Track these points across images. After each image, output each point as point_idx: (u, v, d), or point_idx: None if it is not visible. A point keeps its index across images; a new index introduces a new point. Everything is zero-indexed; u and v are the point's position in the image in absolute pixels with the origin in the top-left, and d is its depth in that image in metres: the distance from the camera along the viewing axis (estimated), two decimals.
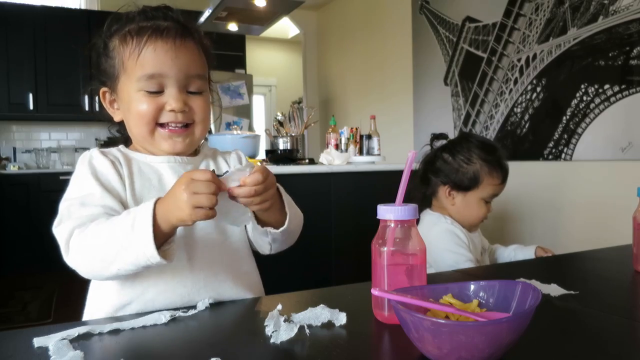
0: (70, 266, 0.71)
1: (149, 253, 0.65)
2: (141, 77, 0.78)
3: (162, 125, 0.81)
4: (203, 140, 0.93)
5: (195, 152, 0.90)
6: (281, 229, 0.79)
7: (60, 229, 0.72)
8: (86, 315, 0.83)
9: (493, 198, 1.40)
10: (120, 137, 0.92)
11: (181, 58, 0.79)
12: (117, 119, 0.86)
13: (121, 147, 0.87)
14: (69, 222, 0.72)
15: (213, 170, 0.68)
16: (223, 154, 0.95)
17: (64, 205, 0.75)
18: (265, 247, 0.86)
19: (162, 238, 0.68)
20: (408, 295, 0.53)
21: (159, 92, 0.79)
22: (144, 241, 0.65)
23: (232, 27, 3.51)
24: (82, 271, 0.71)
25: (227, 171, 0.69)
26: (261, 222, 0.79)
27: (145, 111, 0.79)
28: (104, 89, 0.85)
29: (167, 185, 0.81)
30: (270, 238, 0.82)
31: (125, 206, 0.78)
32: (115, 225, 0.68)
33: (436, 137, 1.47)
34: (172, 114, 0.80)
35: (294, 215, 0.81)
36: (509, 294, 0.55)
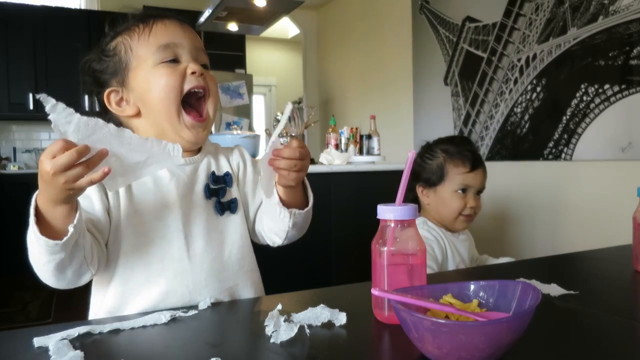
0: None
1: (32, 230, 0.64)
2: (157, 50, 0.80)
3: (185, 110, 0.82)
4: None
5: (197, 150, 0.90)
6: (307, 208, 0.82)
7: None
8: (91, 315, 0.84)
9: (470, 189, 1.36)
10: None
11: (188, 32, 0.84)
12: (129, 112, 0.84)
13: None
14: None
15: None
16: (225, 151, 0.95)
17: None
18: (280, 234, 0.85)
19: (59, 219, 0.65)
20: (408, 295, 0.53)
21: (176, 61, 0.82)
22: (33, 229, 0.64)
23: (232, 27, 3.51)
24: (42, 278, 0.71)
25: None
26: (286, 203, 0.80)
27: (169, 82, 0.80)
28: (108, 89, 0.84)
29: (164, 188, 0.82)
30: (292, 222, 0.82)
31: (116, 212, 0.78)
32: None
33: (422, 148, 1.50)
34: (194, 77, 0.81)
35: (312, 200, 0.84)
36: (509, 294, 0.55)
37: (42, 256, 0.67)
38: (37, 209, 0.65)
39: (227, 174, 0.89)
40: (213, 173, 0.87)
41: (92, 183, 0.61)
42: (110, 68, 0.84)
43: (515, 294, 0.54)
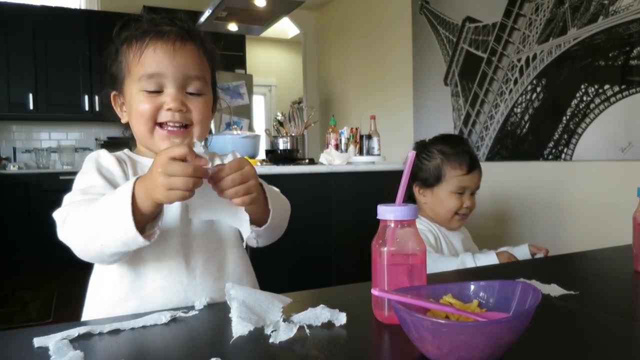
0: (63, 242, 0.72)
1: (127, 227, 0.66)
2: (142, 77, 0.81)
3: (161, 125, 0.83)
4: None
5: None
6: (264, 226, 0.79)
7: (58, 211, 0.74)
8: (85, 311, 0.85)
9: (466, 190, 1.39)
10: (127, 138, 0.94)
11: (179, 59, 0.81)
12: (124, 120, 0.89)
13: (126, 150, 0.90)
14: (67, 206, 0.74)
15: (201, 150, 0.69)
16: (221, 156, 0.96)
17: (67, 195, 0.78)
18: (251, 241, 0.86)
19: (145, 215, 0.68)
20: (408, 295, 0.53)
21: (158, 91, 0.82)
22: (122, 214, 0.65)
23: (232, 27, 3.51)
24: (73, 246, 0.72)
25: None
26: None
27: (144, 110, 0.81)
28: (114, 92, 0.89)
29: None
30: (255, 234, 0.82)
31: None
32: (102, 201, 0.69)
33: (417, 145, 1.51)
34: (170, 113, 0.81)
35: (278, 210, 0.81)
36: (509, 294, 0.55)
37: (111, 241, 0.68)
38: (134, 195, 0.66)
39: None
40: (191, 149, 0.88)
41: (181, 199, 0.64)
42: (116, 73, 0.87)
43: (515, 294, 0.54)
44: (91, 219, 0.69)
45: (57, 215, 0.74)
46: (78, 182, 0.81)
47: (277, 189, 0.88)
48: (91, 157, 0.84)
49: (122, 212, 0.65)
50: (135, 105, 0.82)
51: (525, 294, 0.53)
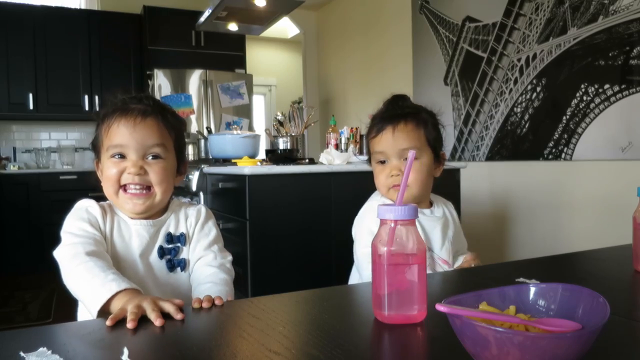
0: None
1: (92, 310, 0.77)
2: (109, 147, 0.95)
3: (124, 189, 0.95)
4: (180, 198, 1.08)
5: (165, 209, 1.02)
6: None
7: (58, 250, 0.88)
8: (80, 312, 0.90)
9: (389, 157, 1.17)
10: None
11: (139, 132, 0.95)
12: (102, 183, 1.01)
13: (110, 201, 1.00)
14: (66, 247, 0.88)
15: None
16: (187, 211, 1.04)
17: (63, 236, 0.92)
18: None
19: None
20: (466, 308, 0.49)
21: (123, 159, 0.95)
22: (92, 305, 0.77)
23: (232, 27, 3.51)
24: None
25: None
26: None
27: (111, 174, 0.95)
28: (96, 160, 1.03)
29: (132, 245, 0.96)
30: None
31: (105, 238, 0.95)
32: (91, 280, 0.80)
33: None
34: (130, 176, 0.94)
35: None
36: (572, 301, 0.53)
37: (82, 301, 0.81)
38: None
39: (181, 235, 1.01)
40: (169, 234, 1.00)
41: (130, 318, 0.65)
42: (95, 144, 1.00)
43: (578, 301, 0.52)
44: (76, 286, 0.82)
45: (57, 255, 0.87)
46: (71, 226, 0.92)
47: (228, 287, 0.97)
48: (82, 207, 0.97)
49: (93, 304, 0.76)
50: (104, 170, 0.96)
51: (590, 302, 0.51)
